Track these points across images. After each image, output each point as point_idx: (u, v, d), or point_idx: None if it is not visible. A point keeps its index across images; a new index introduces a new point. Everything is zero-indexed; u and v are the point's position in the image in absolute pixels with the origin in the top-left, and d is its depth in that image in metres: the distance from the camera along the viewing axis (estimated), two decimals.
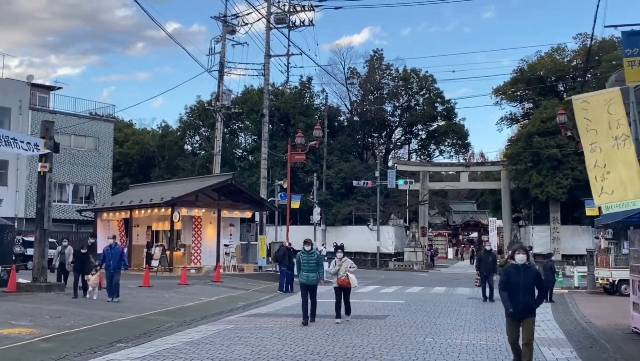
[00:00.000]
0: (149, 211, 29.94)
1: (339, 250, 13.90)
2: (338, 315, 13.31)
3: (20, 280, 18.29)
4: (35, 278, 18.04)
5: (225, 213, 30.31)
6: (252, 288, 23.11)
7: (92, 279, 16.63)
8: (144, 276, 21.59)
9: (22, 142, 17.35)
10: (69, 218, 41.94)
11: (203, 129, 58.52)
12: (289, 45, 34.84)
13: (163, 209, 28.85)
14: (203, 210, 29.64)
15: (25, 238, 31.85)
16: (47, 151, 17.90)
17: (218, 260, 29.22)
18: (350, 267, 13.36)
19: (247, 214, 31.62)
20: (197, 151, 59.72)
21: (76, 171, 43.79)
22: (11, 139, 16.86)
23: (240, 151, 59.05)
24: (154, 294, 18.79)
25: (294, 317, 14.15)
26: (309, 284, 13.20)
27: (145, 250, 30.73)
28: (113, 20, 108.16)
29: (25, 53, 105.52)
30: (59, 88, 46.10)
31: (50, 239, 33.17)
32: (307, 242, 13.50)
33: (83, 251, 17.32)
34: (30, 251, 27.37)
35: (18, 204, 40.46)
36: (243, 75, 41.61)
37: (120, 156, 56.38)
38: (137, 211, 30.88)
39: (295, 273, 15.79)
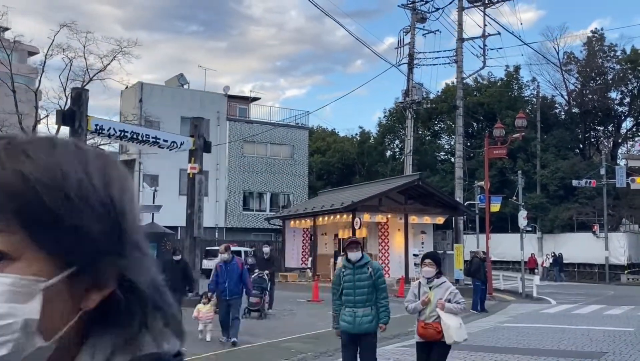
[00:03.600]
0: (333, 217, 27.94)
1: (428, 261, 6.79)
2: None
3: None
4: None
5: (413, 219, 26.99)
6: None
7: (203, 311, 11.34)
8: (313, 290, 19.31)
9: (166, 141, 15.86)
10: (267, 227, 41.68)
11: (402, 132, 55.74)
12: (484, 25, 30.40)
13: (345, 215, 26.53)
14: (388, 215, 26.68)
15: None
16: (192, 148, 16.25)
17: (407, 272, 25.96)
18: (449, 299, 6.57)
19: (440, 220, 27.86)
20: (397, 156, 57.09)
21: (273, 180, 43.52)
22: (152, 138, 15.45)
23: (443, 153, 55.16)
24: (315, 312, 16.25)
25: (479, 352, 10.49)
26: (354, 332, 6.83)
27: (332, 260, 28.79)
28: (334, 40, 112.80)
29: (257, 78, 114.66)
30: (257, 99, 46.54)
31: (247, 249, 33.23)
32: (351, 244, 7.06)
33: (176, 258, 12.32)
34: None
35: (218, 214, 41.12)
36: (433, 65, 37.77)
37: (322, 164, 55.85)
38: (320, 218, 29.12)
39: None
